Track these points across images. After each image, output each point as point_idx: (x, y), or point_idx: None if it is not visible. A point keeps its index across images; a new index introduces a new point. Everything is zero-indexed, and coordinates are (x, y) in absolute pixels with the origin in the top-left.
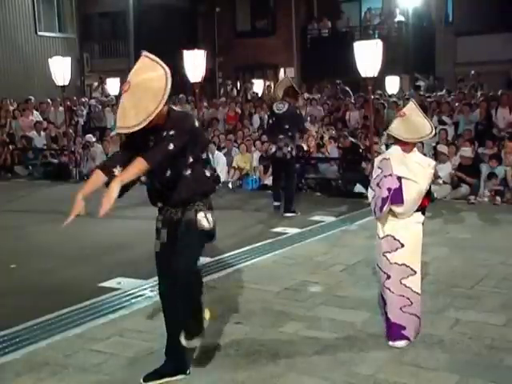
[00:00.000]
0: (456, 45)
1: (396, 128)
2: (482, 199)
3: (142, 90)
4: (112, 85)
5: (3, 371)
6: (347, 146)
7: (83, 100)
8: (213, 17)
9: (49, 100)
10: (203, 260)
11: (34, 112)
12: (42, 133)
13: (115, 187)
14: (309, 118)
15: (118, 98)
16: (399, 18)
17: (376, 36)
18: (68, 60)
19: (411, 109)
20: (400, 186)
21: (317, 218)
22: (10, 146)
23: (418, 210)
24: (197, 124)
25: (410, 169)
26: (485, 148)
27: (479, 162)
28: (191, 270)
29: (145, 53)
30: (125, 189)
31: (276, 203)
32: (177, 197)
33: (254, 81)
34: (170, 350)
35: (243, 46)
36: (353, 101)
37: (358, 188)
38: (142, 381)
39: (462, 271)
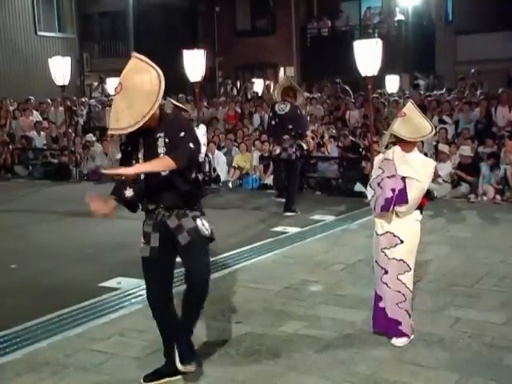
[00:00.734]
0: (456, 43)
1: (398, 128)
2: (482, 199)
3: (136, 91)
4: (112, 84)
5: (4, 371)
6: (347, 145)
7: (83, 100)
8: (212, 16)
9: (49, 100)
10: None
11: (34, 112)
12: (42, 133)
13: (133, 169)
14: (309, 118)
15: None
16: (399, 16)
17: (376, 35)
18: (68, 60)
19: (410, 109)
20: (404, 186)
21: (317, 217)
22: (10, 146)
23: (416, 209)
24: (191, 126)
25: (413, 168)
26: (485, 147)
27: (479, 160)
28: (208, 279)
29: (134, 54)
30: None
31: (279, 199)
32: (171, 198)
33: (253, 80)
34: (168, 350)
35: (243, 45)
36: (353, 100)
37: (358, 187)
38: (142, 381)
39: (463, 270)
